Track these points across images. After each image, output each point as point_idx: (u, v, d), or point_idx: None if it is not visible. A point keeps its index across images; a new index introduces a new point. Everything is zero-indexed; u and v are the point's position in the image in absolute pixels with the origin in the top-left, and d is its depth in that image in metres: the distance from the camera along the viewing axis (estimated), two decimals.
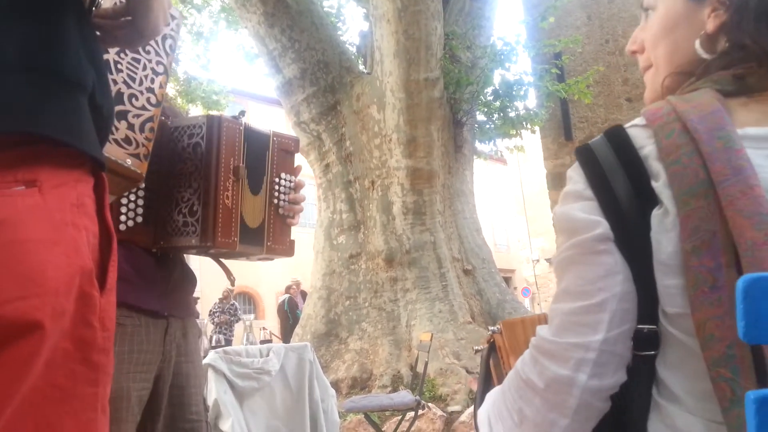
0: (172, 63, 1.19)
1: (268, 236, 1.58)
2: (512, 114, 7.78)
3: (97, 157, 0.73)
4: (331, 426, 2.99)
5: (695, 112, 0.69)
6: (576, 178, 0.76)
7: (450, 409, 5.43)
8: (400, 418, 4.41)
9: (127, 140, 1.08)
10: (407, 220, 6.88)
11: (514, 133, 8.01)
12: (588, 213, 0.72)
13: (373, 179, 7.17)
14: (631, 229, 0.69)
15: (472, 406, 5.35)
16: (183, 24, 9.80)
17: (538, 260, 22.15)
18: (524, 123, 7.84)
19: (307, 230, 10.04)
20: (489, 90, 7.62)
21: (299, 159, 1.79)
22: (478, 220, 7.98)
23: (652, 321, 0.69)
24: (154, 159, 1.48)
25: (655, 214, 0.68)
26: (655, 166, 0.69)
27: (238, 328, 9.21)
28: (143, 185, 1.47)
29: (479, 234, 7.78)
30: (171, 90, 9.74)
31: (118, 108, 1.05)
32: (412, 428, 4.34)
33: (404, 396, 3.86)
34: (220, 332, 8.45)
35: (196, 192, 1.46)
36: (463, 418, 5.27)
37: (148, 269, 1.47)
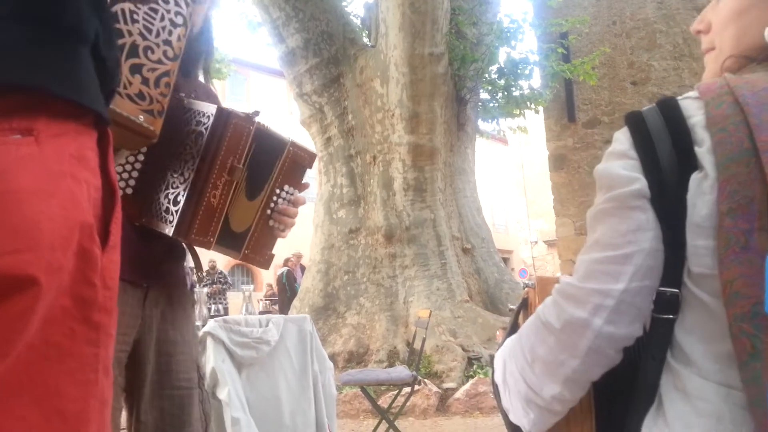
0: (192, 14, 1.13)
1: (249, 244, 1.52)
2: (516, 93, 7.71)
3: (100, 111, 0.69)
4: (328, 398, 2.99)
5: (748, 87, 0.70)
6: (622, 139, 0.78)
7: (445, 385, 5.46)
8: (395, 392, 4.43)
9: (141, 95, 1.03)
10: (408, 197, 6.85)
11: (518, 112, 7.95)
12: (628, 170, 0.74)
13: (374, 154, 7.12)
14: (669, 189, 0.71)
15: (467, 384, 5.39)
16: None
17: (536, 242, 22.19)
18: (528, 103, 7.78)
19: (307, 204, 10.00)
20: (494, 68, 7.53)
21: (300, 139, 1.70)
22: (479, 199, 7.95)
23: (675, 285, 0.72)
24: (160, 133, 1.44)
25: (695, 177, 0.69)
26: (701, 133, 0.71)
27: (236, 299, 9.22)
28: (142, 157, 1.44)
29: (479, 213, 7.77)
30: None
31: (132, 61, 1.00)
32: (408, 403, 4.36)
33: (401, 371, 3.87)
34: (217, 302, 8.48)
35: (184, 182, 1.41)
36: (457, 395, 5.31)
37: (128, 240, 1.44)
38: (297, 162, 1.57)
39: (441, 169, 7.09)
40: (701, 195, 0.68)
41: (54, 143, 0.62)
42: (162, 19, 1.05)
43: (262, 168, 1.52)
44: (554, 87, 7.90)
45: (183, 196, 1.40)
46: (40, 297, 0.58)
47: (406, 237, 6.74)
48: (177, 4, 1.07)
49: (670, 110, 0.76)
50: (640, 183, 0.72)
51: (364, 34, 7.91)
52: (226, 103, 1.63)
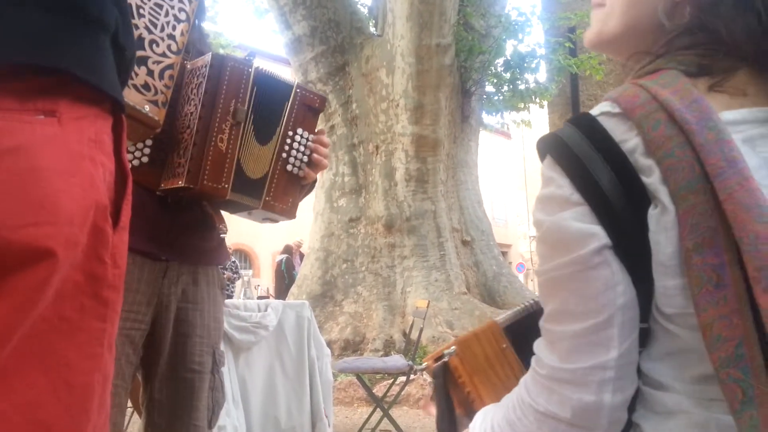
0: (194, 11, 1.15)
1: (269, 191, 1.49)
2: (522, 86, 7.69)
3: (117, 98, 0.72)
4: (325, 384, 3.01)
5: (677, 99, 0.65)
6: (558, 180, 0.69)
7: None
8: (391, 381, 4.45)
9: (146, 86, 1.05)
10: (409, 187, 6.85)
11: (523, 106, 7.93)
12: (581, 221, 0.66)
13: (377, 144, 7.11)
14: (628, 232, 0.65)
15: None
16: None
17: (535, 237, 22.23)
18: (533, 96, 7.75)
19: None
20: (500, 60, 7.51)
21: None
22: (480, 192, 7.95)
23: (644, 320, 0.67)
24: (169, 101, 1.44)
25: (652, 213, 0.64)
26: (644, 161, 0.65)
27: (237, 284, 9.25)
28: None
29: (480, 206, 7.77)
30: None
31: (139, 53, 1.02)
32: (403, 392, 4.38)
33: (397, 360, 3.88)
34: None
35: (191, 132, 1.40)
36: None
37: (148, 211, 1.43)
38: (306, 104, 1.56)
39: (443, 161, 7.08)
40: (663, 232, 0.63)
41: (75, 125, 0.65)
42: (167, 14, 1.08)
43: (270, 112, 1.50)
44: (560, 81, 7.87)
45: (190, 144, 1.40)
46: (56, 270, 0.61)
47: (406, 227, 6.75)
48: (180, 0, 1.08)
49: (594, 133, 0.68)
50: (598, 237, 0.65)
51: (371, 23, 7.88)
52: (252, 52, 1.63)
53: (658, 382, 0.68)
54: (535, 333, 1.00)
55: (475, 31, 7.22)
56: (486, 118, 8.67)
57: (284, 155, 1.52)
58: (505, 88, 7.78)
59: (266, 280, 14.70)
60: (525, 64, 7.54)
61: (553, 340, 0.70)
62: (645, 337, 0.68)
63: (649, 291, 0.65)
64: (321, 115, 7.50)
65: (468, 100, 7.57)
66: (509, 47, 7.51)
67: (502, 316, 1.06)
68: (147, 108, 1.07)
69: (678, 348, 0.66)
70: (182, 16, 1.10)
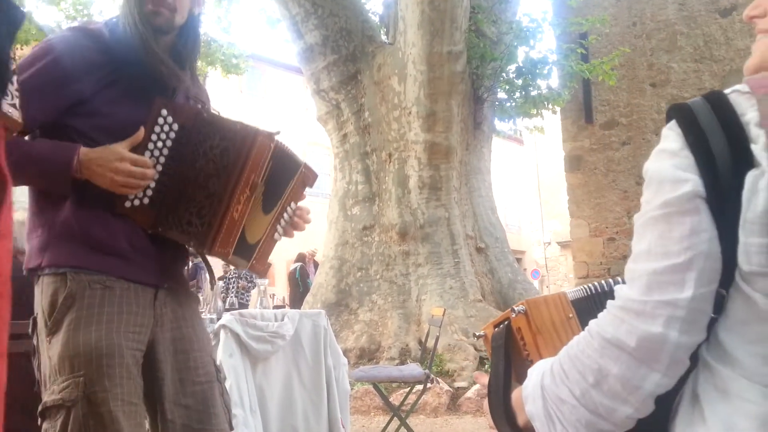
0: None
1: (257, 254, 1.60)
2: (534, 93, 7.67)
3: None
4: (342, 394, 3.00)
5: None
6: (672, 136, 0.75)
7: (456, 384, 5.46)
8: (407, 390, 4.43)
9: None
10: (423, 195, 6.84)
11: (535, 112, 7.91)
12: (681, 169, 0.72)
13: (390, 151, 7.11)
14: (725, 188, 0.69)
15: (479, 389, 5.38)
16: None
17: (549, 243, 22.08)
18: (546, 102, 7.73)
19: (320, 200, 10.03)
20: (512, 67, 7.50)
21: (316, 135, 1.79)
22: (494, 198, 7.93)
23: (725, 285, 0.71)
24: (178, 146, 1.48)
25: (751, 174, 0.68)
26: (756, 131, 0.70)
27: (253, 294, 9.27)
28: (160, 168, 1.47)
29: (494, 213, 7.74)
30: None
31: None
32: (419, 401, 4.36)
33: (413, 369, 3.87)
34: (237, 296, 8.53)
35: (210, 197, 1.46)
36: (469, 394, 5.30)
37: (145, 247, 1.50)
38: (304, 182, 1.68)
39: (456, 168, 7.07)
40: (756, 192, 0.67)
41: None
42: None
43: (278, 185, 1.59)
44: (572, 87, 7.84)
45: (209, 211, 1.46)
46: None
47: (420, 235, 6.74)
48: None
49: (720, 105, 0.73)
50: (693, 183, 0.70)
51: (382, 32, 7.90)
52: (243, 98, 1.68)
53: (729, 357, 0.70)
54: (596, 310, 1.02)
55: (486, 38, 7.21)
56: (498, 124, 8.65)
57: (277, 224, 1.63)
58: (518, 94, 7.76)
59: (281, 289, 14.73)
60: (537, 71, 7.52)
61: (633, 278, 0.74)
62: (722, 305, 0.72)
63: (734, 251, 0.69)
64: (334, 124, 7.58)
65: (480, 107, 7.55)
66: (521, 53, 7.50)
67: (571, 290, 1.10)
68: (12, 111, 1.10)
69: (752, 316, 0.69)
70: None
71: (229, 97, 15.27)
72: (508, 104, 7.99)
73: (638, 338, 0.70)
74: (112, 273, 1.43)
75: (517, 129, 9.00)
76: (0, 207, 0.71)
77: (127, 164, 1.40)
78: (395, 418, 3.76)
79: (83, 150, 1.39)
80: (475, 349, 5.81)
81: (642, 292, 0.72)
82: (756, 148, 0.69)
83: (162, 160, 1.48)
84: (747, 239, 0.67)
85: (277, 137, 1.53)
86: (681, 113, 0.75)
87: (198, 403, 1.54)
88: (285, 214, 1.65)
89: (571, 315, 1.02)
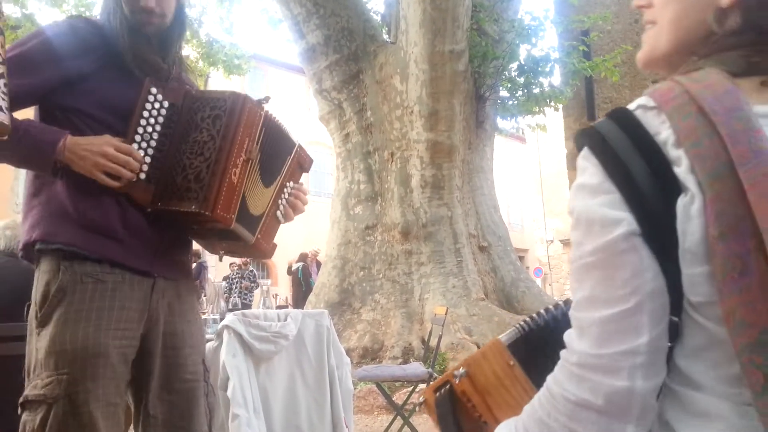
0: (6, 24, 1.20)
1: (261, 228, 1.60)
2: (536, 90, 7.67)
3: None
4: (345, 393, 3.00)
5: (709, 92, 0.66)
6: (591, 169, 0.70)
7: None
8: (410, 389, 4.43)
9: None
10: (425, 194, 6.84)
11: (537, 110, 7.90)
12: (610, 207, 0.67)
13: (392, 151, 7.12)
14: (657, 220, 0.65)
15: None
16: None
17: (552, 241, 22.06)
18: (548, 100, 7.72)
19: (323, 199, 10.03)
20: (514, 65, 7.49)
21: (317, 134, 1.82)
22: (496, 197, 7.93)
23: (675, 313, 0.68)
24: (169, 123, 1.50)
25: (681, 202, 0.65)
26: (674, 152, 0.66)
27: (256, 294, 9.30)
28: (154, 143, 1.49)
29: (496, 211, 7.74)
30: (192, 52, 9.67)
31: None
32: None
33: (416, 368, 3.87)
34: (239, 296, 8.57)
35: (206, 161, 1.47)
36: None
37: (140, 228, 1.49)
38: (301, 163, 1.71)
39: (459, 167, 7.07)
40: (690, 219, 0.64)
41: None
42: None
43: (275, 159, 1.62)
44: (574, 85, 7.83)
45: (207, 173, 1.46)
46: None
47: (422, 234, 6.74)
48: None
49: (630, 126, 0.69)
50: (626, 223, 0.66)
51: (384, 31, 7.90)
52: (267, 95, 1.72)
53: (692, 381, 0.68)
54: (539, 351, 1.00)
55: (488, 37, 7.21)
56: (501, 122, 8.64)
57: (279, 201, 1.65)
58: (520, 92, 7.76)
59: (284, 289, 14.74)
60: (539, 68, 7.52)
61: (582, 327, 0.70)
62: (676, 332, 0.69)
63: (679, 281, 0.66)
64: (336, 123, 7.57)
65: (482, 106, 7.55)
66: (523, 51, 7.50)
67: (504, 334, 1.05)
68: None
69: (709, 342, 0.66)
70: None
71: None
72: (510, 102, 7.99)
73: (605, 395, 0.67)
74: (105, 256, 1.43)
75: (519, 127, 8.98)
76: None
77: (112, 149, 1.41)
78: (398, 418, 3.76)
79: (71, 136, 1.41)
80: (478, 347, 5.81)
81: (596, 344, 0.68)
82: (680, 172, 0.65)
83: (155, 136, 1.50)
84: (689, 270, 0.65)
85: (266, 106, 1.57)
86: (592, 140, 0.71)
87: (182, 401, 1.55)
88: (285, 192, 1.67)
89: (512, 362, 0.99)
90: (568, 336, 0.73)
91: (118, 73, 1.51)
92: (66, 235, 1.42)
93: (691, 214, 0.63)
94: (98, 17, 1.60)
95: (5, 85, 1.13)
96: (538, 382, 0.98)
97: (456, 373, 0.99)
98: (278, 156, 1.63)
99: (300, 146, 1.71)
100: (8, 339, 2.30)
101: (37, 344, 1.40)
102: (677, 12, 0.77)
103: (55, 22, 1.56)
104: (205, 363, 1.64)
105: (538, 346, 1.01)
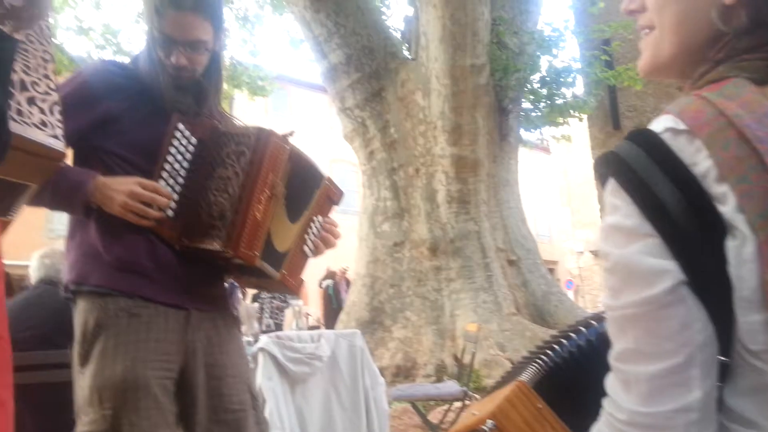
0: (53, 51, 1.21)
1: (287, 265, 1.59)
2: (559, 101, 7.62)
3: None
4: (381, 414, 2.98)
5: (747, 114, 0.60)
6: (624, 208, 0.63)
7: None
8: (445, 408, 4.38)
9: (44, 123, 1.09)
10: (451, 209, 6.81)
11: (562, 121, 7.85)
12: (652, 255, 0.61)
13: (417, 167, 7.12)
14: (705, 266, 0.60)
15: None
16: (229, 8, 9.87)
17: (582, 252, 21.75)
18: (572, 111, 7.67)
19: (349, 216, 10.08)
20: (536, 77, 7.47)
21: (340, 151, 1.80)
22: (523, 210, 7.86)
23: (725, 353, 0.63)
24: (197, 159, 1.52)
25: (731, 245, 0.59)
26: (718, 189, 0.59)
27: (287, 314, 9.32)
28: (181, 180, 1.51)
29: (524, 224, 7.67)
30: None
31: (27, 95, 1.07)
32: (459, 419, 4.31)
33: (451, 386, 3.83)
34: (271, 317, 8.60)
35: (230, 198, 1.48)
36: None
37: (170, 264, 1.51)
38: (330, 197, 1.69)
39: (484, 181, 7.04)
40: (744, 264, 0.58)
41: None
42: (34, 57, 1.12)
43: (301, 193, 1.60)
44: (598, 94, 7.77)
45: (230, 210, 1.46)
46: None
47: (450, 249, 6.70)
48: (41, 43, 1.14)
49: (660, 154, 0.62)
50: (672, 275, 0.60)
51: (404, 48, 7.95)
52: (269, 118, 1.72)
53: (745, 419, 0.64)
54: (567, 389, 0.95)
55: (508, 50, 7.20)
56: (525, 134, 8.60)
57: (305, 236, 1.63)
58: (543, 104, 7.72)
59: (314, 307, 14.76)
60: (561, 79, 7.48)
61: (628, 381, 0.65)
62: (726, 371, 0.64)
63: (729, 325, 0.61)
64: (360, 141, 7.61)
65: (505, 119, 7.53)
66: (544, 63, 7.48)
67: (525, 374, 1.00)
68: (51, 141, 1.11)
69: (765, 384, 0.62)
70: (47, 56, 1.15)
71: (255, 118, 15.52)
72: (534, 114, 7.96)
73: None
74: (136, 293, 1.45)
75: (543, 138, 8.92)
76: None
77: (139, 188, 1.43)
78: None
79: (100, 177, 1.44)
80: (512, 363, 5.73)
81: (646, 401, 0.63)
82: (727, 211, 0.59)
83: (182, 173, 1.52)
84: (747, 318, 0.59)
85: (291, 139, 1.56)
86: (619, 172, 0.64)
87: (231, 431, 1.54)
88: (313, 227, 1.65)
89: (540, 405, 0.94)
90: (612, 388, 0.68)
91: (148, 112, 1.54)
92: (98, 276, 1.45)
93: (743, 258, 0.58)
94: (129, 61, 1.66)
95: (60, 112, 1.15)
96: (569, 420, 0.95)
97: (485, 427, 0.93)
98: (305, 191, 1.62)
99: (329, 179, 1.69)
100: (50, 366, 2.34)
101: (81, 382, 1.42)
102: (677, 13, 0.71)
103: (88, 66, 1.62)
104: (252, 392, 1.63)
105: (565, 384, 0.96)
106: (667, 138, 0.63)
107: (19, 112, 1.02)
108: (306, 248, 1.64)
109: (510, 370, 1.17)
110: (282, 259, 1.57)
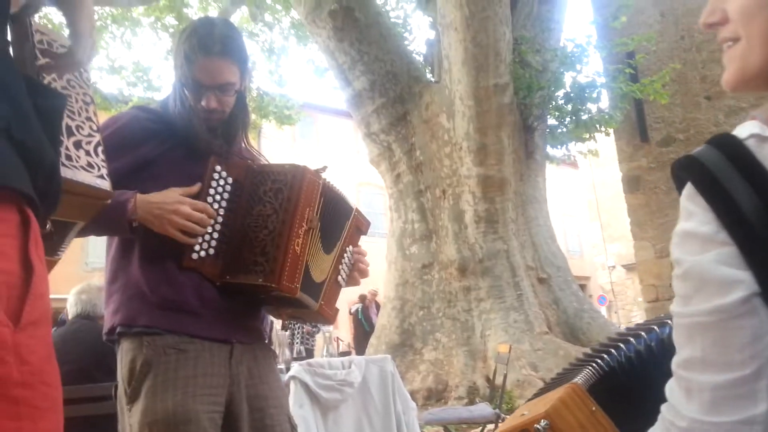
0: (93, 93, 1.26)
1: (324, 295, 1.64)
2: (585, 117, 7.58)
3: (24, 191, 0.73)
4: None
5: None
6: (701, 214, 0.62)
7: None
8: (479, 430, 4.34)
9: (90, 165, 1.14)
10: (479, 229, 6.80)
11: (588, 136, 7.81)
12: (726, 264, 0.60)
13: (444, 188, 7.14)
14: None
15: None
16: (255, 41, 10.10)
17: (614, 266, 21.40)
18: (598, 125, 7.62)
19: (377, 240, 10.11)
20: (560, 93, 7.46)
21: (367, 175, 1.86)
22: (552, 227, 7.80)
23: None
24: (234, 198, 1.58)
25: None
26: None
27: (318, 339, 9.37)
28: (221, 219, 1.56)
29: (553, 241, 7.61)
30: None
31: (73, 139, 1.12)
32: None
33: (483, 409, 3.80)
34: (302, 343, 8.63)
35: (270, 233, 1.53)
36: None
37: (214, 300, 1.54)
38: (359, 227, 1.75)
39: (512, 199, 7.02)
40: None
41: None
42: (76, 101, 1.17)
43: (334, 225, 1.66)
44: (624, 108, 7.72)
45: (272, 246, 1.52)
46: None
47: (479, 269, 6.68)
48: (81, 86, 1.19)
49: (744, 161, 0.61)
50: (746, 284, 0.59)
51: (427, 71, 8.02)
52: (296, 146, 1.78)
53: None
54: (623, 394, 0.94)
55: (531, 68, 7.22)
56: (551, 151, 8.57)
57: (339, 266, 1.69)
58: (568, 119, 7.69)
59: (344, 332, 14.77)
60: (586, 95, 7.45)
61: (691, 389, 0.64)
62: None
63: None
64: (386, 165, 7.67)
65: (531, 136, 7.52)
66: (568, 79, 7.47)
67: (580, 376, 1.00)
68: (99, 182, 1.16)
69: None
70: (87, 99, 1.20)
71: (283, 146, 15.75)
72: (559, 130, 7.93)
73: None
74: (183, 331, 1.49)
75: (570, 154, 8.87)
76: (26, 296, 0.72)
77: (187, 207, 1.48)
78: None
79: (140, 194, 1.48)
80: (545, 383, 5.66)
81: (709, 411, 0.62)
82: None
83: (221, 212, 1.57)
84: None
85: (323, 174, 1.62)
86: (698, 177, 0.63)
87: None
88: (345, 257, 1.70)
89: (594, 408, 0.93)
90: (673, 394, 0.67)
91: (182, 156, 1.59)
92: (145, 317, 1.48)
93: None
94: (158, 104, 1.72)
95: (103, 152, 1.21)
96: (623, 425, 0.94)
97: (538, 426, 0.92)
98: (337, 223, 1.68)
99: (357, 210, 1.75)
100: (88, 400, 2.41)
101: (130, 420, 1.45)
102: None
103: (123, 113, 1.67)
104: (292, 422, 1.66)
105: (621, 389, 0.95)
106: (752, 144, 0.62)
107: (68, 157, 1.08)
108: (340, 278, 1.70)
109: (562, 372, 1.15)
110: (319, 289, 1.62)
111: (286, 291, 1.51)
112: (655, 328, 0.99)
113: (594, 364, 0.99)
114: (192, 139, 1.59)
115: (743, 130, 0.64)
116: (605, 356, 0.98)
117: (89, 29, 1.04)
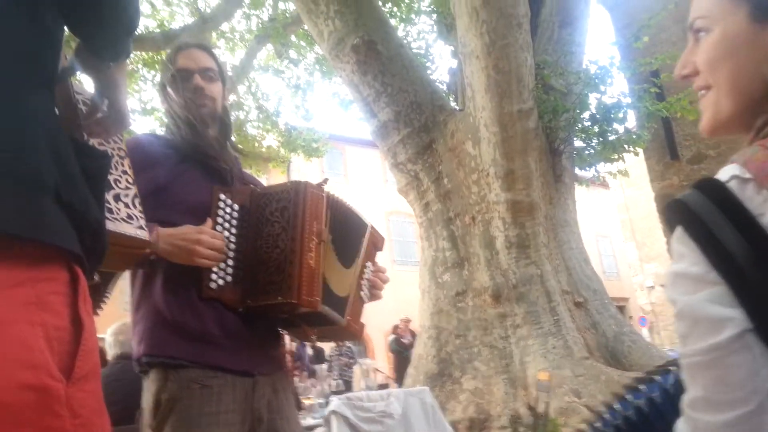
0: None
1: (349, 310, 1.66)
2: (612, 137, 7.54)
3: (72, 250, 0.76)
4: None
5: None
6: (690, 256, 0.65)
7: None
8: None
9: (130, 217, 1.20)
10: (511, 254, 6.76)
11: (616, 157, 7.75)
12: (717, 303, 0.62)
13: (473, 215, 7.13)
14: None
15: None
16: (281, 78, 10.32)
17: (653, 286, 20.93)
18: (626, 146, 7.57)
19: (409, 268, 10.10)
20: (586, 115, 7.45)
21: (396, 204, 1.91)
22: (585, 249, 7.71)
23: None
24: (242, 224, 1.63)
25: None
26: None
27: (356, 372, 9.35)
28: (233, 246, 1.59)
29: (588, 264, 7.51)
30: (273, 141, 10.23)
31: (113, 193, 1.19)
32: None
33: None
34: (340, 376, 8.60)
35: (283, 252, 1.56)
36: None
37: (236, 329, 1.57)
38: (375, 244, 1.79)
39: (542, 223, 6.97)
40: None
41: (6, 294, 0.69)
42: (113, 155, 1.24)
43: (347, 239, 1.70)
44: (651, 127, 7.65)
45: (285, 263, 1.54)
46: None
47: (514, 295, 6.62)
48: (115, 141, 1.25)
49: (727, 203, 0.63)
50: (737, 322, 0.61)
51: (451, 99, 8.09)
52: (325, 177, 1.84)
53: None
54: None
55: (556, 91, 7.23)
56: (580, 173, 8.51)
57: (361, 282, 1.71)
58: (595, 141, 7.65)
59: (382, 362, 14.70)
60: (612, 115, 7.42)
61: (698, 429, 0.66)
62: None
63: None
64: (415, 194, 7.72)
65: (558, 160, 7.50)
66: (593, 100, 7.45)
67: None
68: (139, 233, 1.21)
69: None
70: (122, 153, 1.26)
71: (312, 179, 15.93)
72: (587, 152, 7.88)
73: None
74: (207, 363, 1.51)
75: (599, 175, 8.81)
76: (77, 351, 0.76)
77: (208, 236, 1.52)
78: None
79: (161, 228, 1.52)
80: (590, 410, 5.53)
81: None
82: None
83: (233, 239, 1.60)
84: None
85: (326, 187, 1.67)
86: (686, 220, 0.66)
87: None
88: (366, 274, 1.73)
89: None
90: None
91: (192, 177, 1.65)
92: (169, 347, 1.52)
93: None
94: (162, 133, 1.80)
95: (140, 203, 1.27)
96: None
97: None
98: (351, 236, 1.71)
99: (372, 227, 1.79)
100: None
101: None
102: (731, 72, 0.73)
103: (137, 136, 1.77)
104: None
105: None
106: (734, 186, 0.65)
107: (109, 210, 1.14)
108: (363, 294, 1.72)
109: None
110: (344, 304, 1.65)
111: (306, 305, 1.53)
112: (672, 368, 0.98)
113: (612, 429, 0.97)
114: (200, 151, 1.65)
115: (724, 174, 0.68)
116: (621, 419, 0.97)
117: (126, 104, 1.10)
